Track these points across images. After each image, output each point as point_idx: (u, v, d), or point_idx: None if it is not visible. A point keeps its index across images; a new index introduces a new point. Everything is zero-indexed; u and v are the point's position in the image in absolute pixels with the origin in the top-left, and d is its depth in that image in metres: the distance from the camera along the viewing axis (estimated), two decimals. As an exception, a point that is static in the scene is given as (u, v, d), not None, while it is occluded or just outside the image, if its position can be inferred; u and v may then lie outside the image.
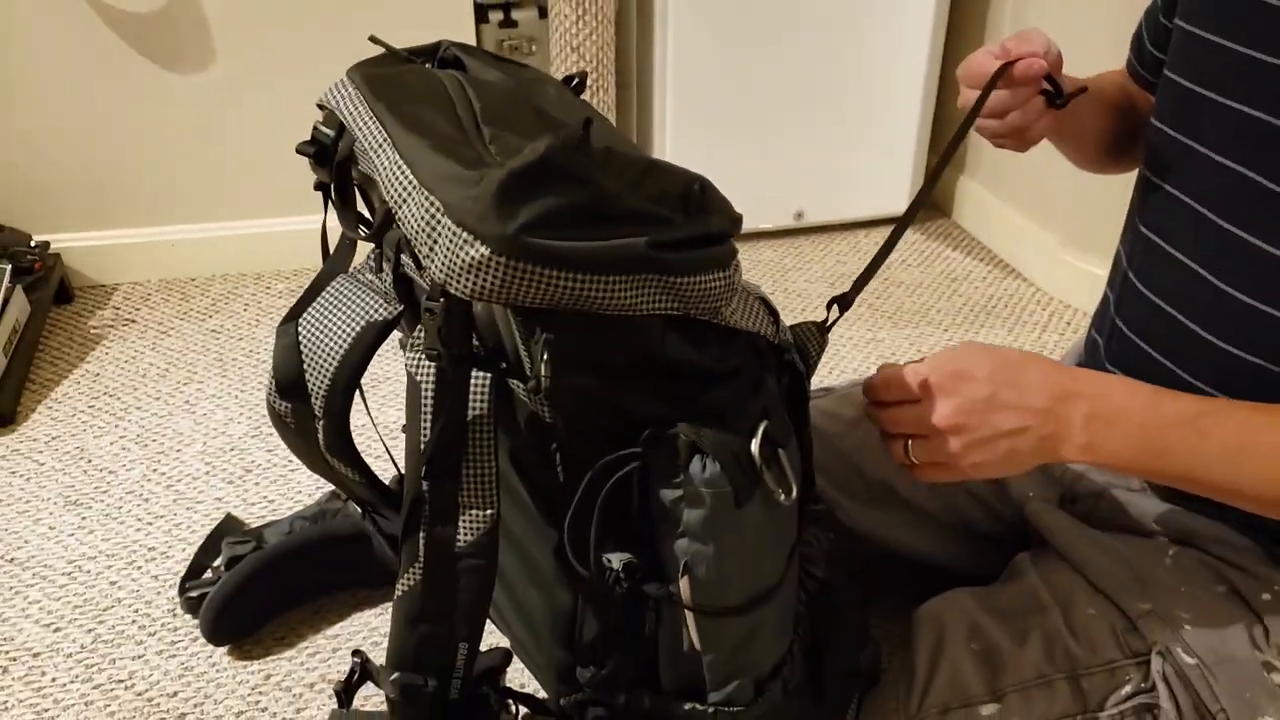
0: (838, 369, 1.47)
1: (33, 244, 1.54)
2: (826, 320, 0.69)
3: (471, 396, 0.60)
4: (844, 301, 0.70)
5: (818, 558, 0.73)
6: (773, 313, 0.66)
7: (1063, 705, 0.69)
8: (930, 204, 1.94)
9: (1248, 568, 0.71)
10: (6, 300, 1.38)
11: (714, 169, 1.76)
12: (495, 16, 1.76)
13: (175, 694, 0.92)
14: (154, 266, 1.67)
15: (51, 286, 1.52)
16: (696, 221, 0.57)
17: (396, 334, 0.74)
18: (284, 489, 1.18)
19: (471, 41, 1.74)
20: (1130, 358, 0.77)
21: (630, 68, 1.82)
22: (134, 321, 1.54)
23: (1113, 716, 0.69)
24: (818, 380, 1.41)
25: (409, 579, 0.64)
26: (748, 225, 1.85)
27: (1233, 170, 0.67)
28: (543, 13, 1.72)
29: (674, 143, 1.73)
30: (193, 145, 1.60)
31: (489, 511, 0.62)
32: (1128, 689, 0.69)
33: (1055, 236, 1.65)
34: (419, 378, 0.60)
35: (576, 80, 0.77)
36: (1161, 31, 0.78)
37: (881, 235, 1.86)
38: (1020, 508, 0.85)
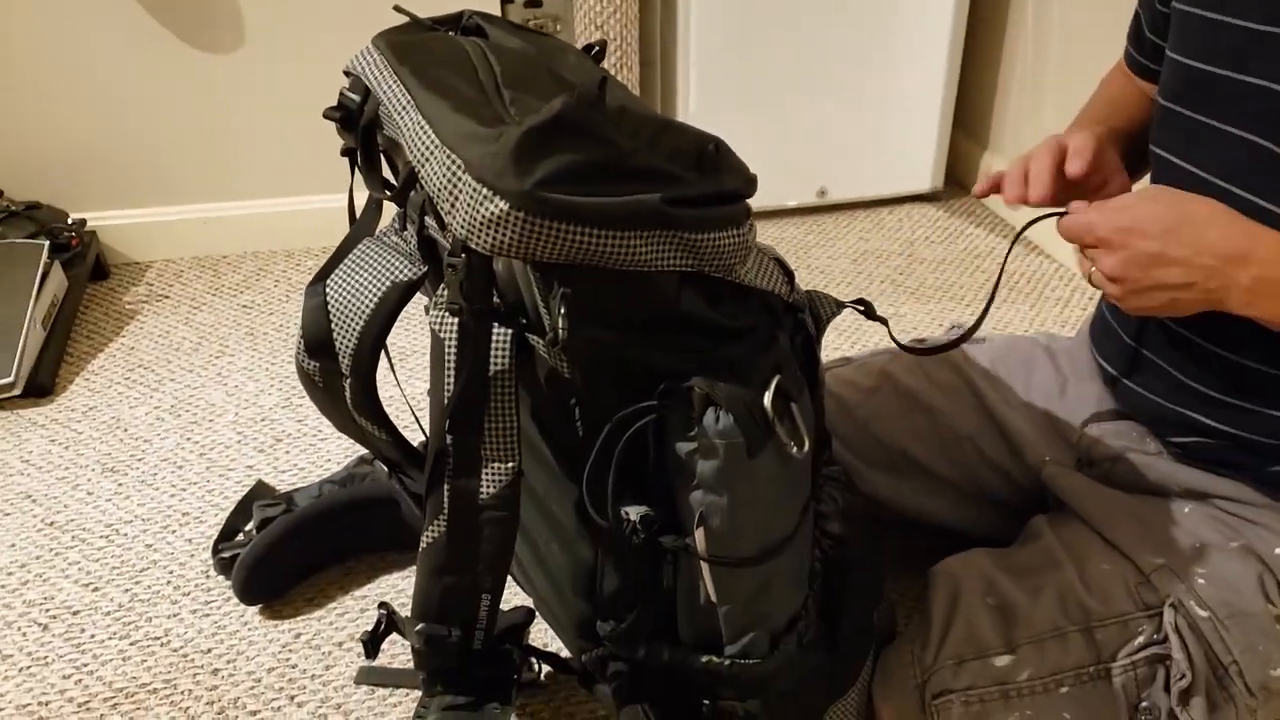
0: (860, 342, 1.47)
1: (70, 221, 1.58)
2: (846, 302, 0.69)
3: (493, 352, 0.62)
4: (870, 312, 0.70)
5: (833, 516, 0.74)
6: (787, 273, 0.67)
7: (1076, 656, 0.70)
8: (953, 181, 1.93)
9: (1263, 523, 0.71)
10: (45, 275, 1.41)
11: (737, 146, 1.75)
12: (519, -4, 1.77)
13: (209, 650, 0.95)
14: (187, 244, 1.70)
15: (88, 263, 1.56)
16: (711, 180, 0.58)
17: (423, 301, 0.76)
18: (314, 457, 1.21)
19: (495, 21, 1.75)
20: (1146, 328, 0.77)
21: (654, 46, 1.83)
22: (167, 297, 1.58)
23: (1125, 667, 0.70)
24: (840, 352, 1.42)
25: (434, 531, 0.67)
26: (771, 203, 1.86)
27: (1248, 141, 0.67)
28: (566, -9, 1.73)
29: (697, 120, 1.74)
30: (226, 124, 1.64)
31: (510, 464, 0.64)
32: (1140, 640, 0.70)
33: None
34: (442, 334, 0.62)
35: (597, 49, 0.79)
36: (1160, 19, 0.77)
37: (905, 213, 1.86)
38: (1037, 473, 0.85)
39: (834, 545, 0.75)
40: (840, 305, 0.69)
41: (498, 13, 1.73)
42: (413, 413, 0.81)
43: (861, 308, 0.69)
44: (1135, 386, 0.78)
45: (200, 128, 1.63)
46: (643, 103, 0.72)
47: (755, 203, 0.55)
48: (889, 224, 1.82)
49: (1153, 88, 0.81)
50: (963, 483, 0.89)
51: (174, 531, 1.10)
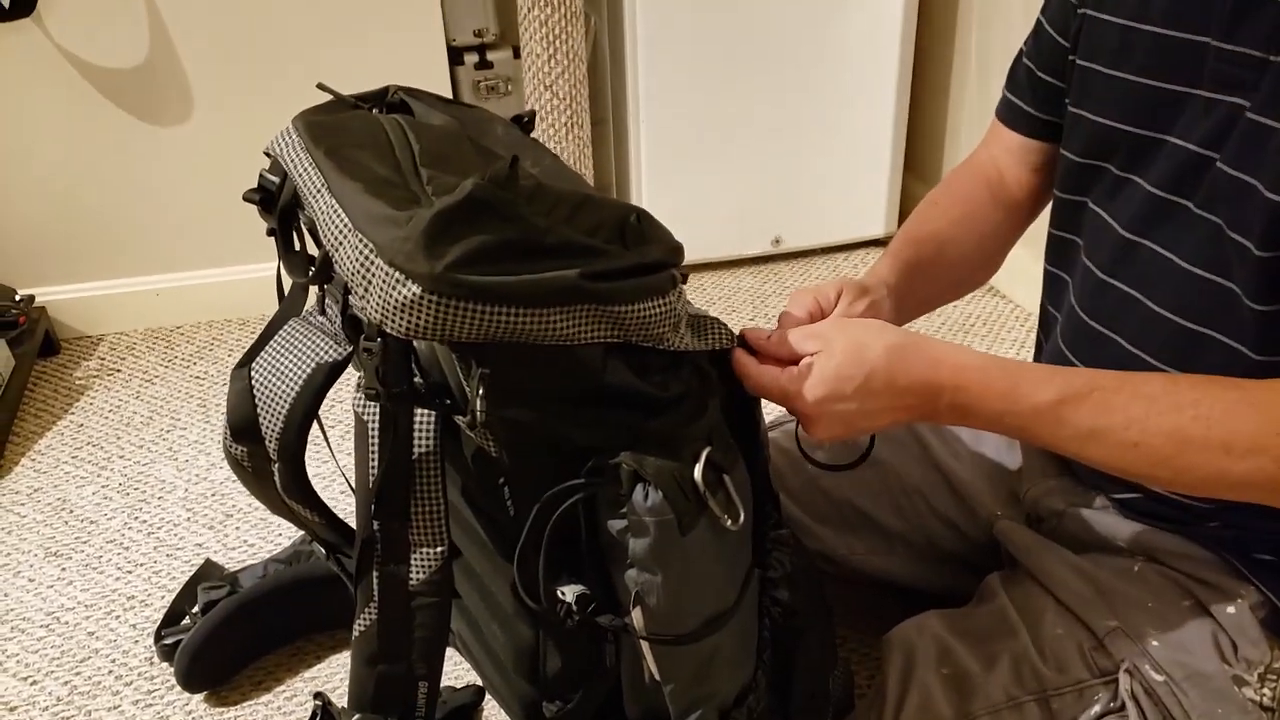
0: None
1: (17, 298, 1.56)
2: None
3: (416, 434, 0.60)
4: None
5: (781, 582, 0.73)
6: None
7: (1033, 727, 0.69)
8: (909, 225, 1.95)
9: (1211, 581, 0.70)
10: (-10, 355, 1.39)
11: (691, 199, 1.79)
12: (471, 58, 1.79)
13: (150, 744, 0.92)
14: (139, 316, 1.68)
15: (36, 340, 1.54)
16: (635, 251, 0.58)
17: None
18: (264, 532, 1.18)
19: (447, 83, 1.76)
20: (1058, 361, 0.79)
21: (605, 103, 1.84)
22: (119, 371, 1.56)
23: (1083, 737, 0.68)
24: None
25: (365, 619, 0.65)
26: (727, 253, 1.87)
27: (1129, 181, 0.69)
28: (517, 53, 1.75)
29: (649, 175, 1.75)
30: (175, 195, 1.63)
31: (439, 549, 0.62)
32: (1097, 709, 0.68)
33: (1032, 253, 1.65)
34: (365, 417, 0.61)
35: (526, 119, 0.79)
36: (1059, 59, 0.78)
37: (860, 258, 1.87)
38: (988, 527, 0.84)
39: (783, 613, 0.73)
40: None
41: (447, 75, 1.74)
42: (352, 489, 0.79)
43: None
44: None
45: (148, 199, 1.62)
46: (570, 174, 0.72)
47: (713, 254, 0.54)
48: (845, 270, 1.83)
49: (1031, 145, 0.82)
50: (914, 537, 0.88)
51: (118, 617, 1.06)
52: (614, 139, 1.85)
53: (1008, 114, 0.85)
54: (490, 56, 1.80)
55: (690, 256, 1.91)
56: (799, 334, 0.64)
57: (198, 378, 1.53)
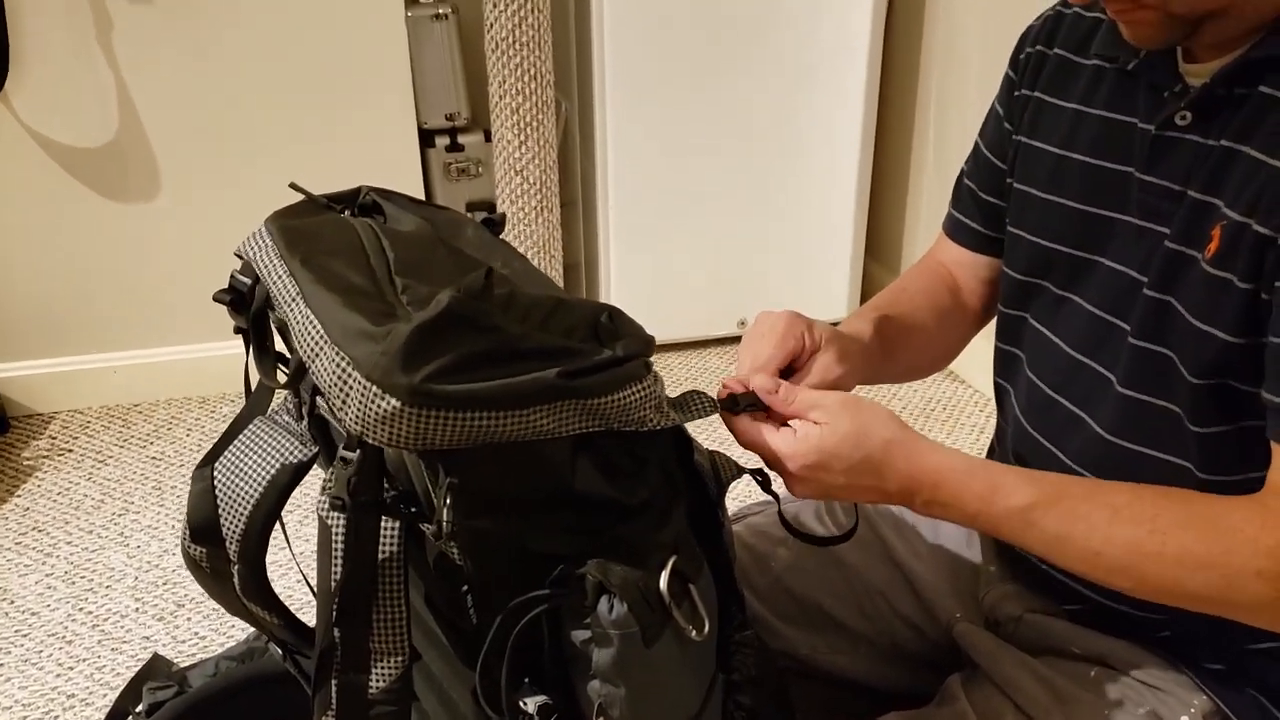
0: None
1: (-31, 375, 1.53)
2: (745, 468, 0.70)
3: (381, 541, 0.60)
4: (766, 485, 0.71)
5: (745, 686, 0.73)
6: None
7: (993, 836, 0.68)
8: (869, 311, 1.99)
9: (1165, 689, 0.71)
10: (-64, 434, 1.35)
11: (659, 281, 1.82)
12: (442, 141, 1.82)
13: None
14: (95, 393, 1.65)
15: (-15, 418, 1.51)
16: (609, 346, 0.59)
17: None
18: (217, 624, 1.15)
19: (418, 165, 1.79)
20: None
21: (575, 185, 1.88)
22: (70, 451, 1.52)
23: None
24: (756, 494, 1.42)
25: (322, 729, 0.63)
26: (695, 334, 1.89)
27: (1071, 301, 0.72)
28: (488, 136, 1.79)
29: (618, 257, 1.78)
30: (137, 272, 1.62)
31: (400, 658, 0.61)
32: (1056, 821, 0.68)
33: (991, 340, 1.70)
34: (329, 522, 0.60)
35: (497, 220, 0.80)
36: (998, 182, 0.82)
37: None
38: (948, 629, 0.85)
39: (747, 717, 0.72)
40: (741, 471, 0.70)
41: (417, 157, 1.77)
42: (310, 588, 0.77)
43: (760, 478, 0.69)
44: (1020, 554, 0.79)
45: (110, 277, 1.61)
46: (540, 276, 0.73)
47: (679, 335, 0.56)
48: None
49: (979, 259, 0.86)
50: (878, 638, 0.88)
51: (57, 718, 1.02)
52: (583, 221, 1.88)
53: (954, 230, 0.88)
54: (461, 140, 1.83)
55: (658, 338, 1.93)
56: (807, 400, 0.67)
57: (154, 458, 1.50)
